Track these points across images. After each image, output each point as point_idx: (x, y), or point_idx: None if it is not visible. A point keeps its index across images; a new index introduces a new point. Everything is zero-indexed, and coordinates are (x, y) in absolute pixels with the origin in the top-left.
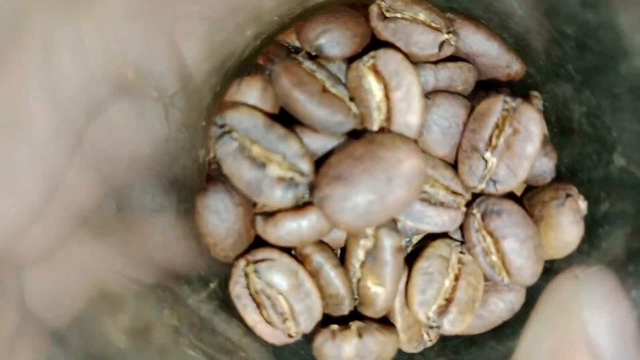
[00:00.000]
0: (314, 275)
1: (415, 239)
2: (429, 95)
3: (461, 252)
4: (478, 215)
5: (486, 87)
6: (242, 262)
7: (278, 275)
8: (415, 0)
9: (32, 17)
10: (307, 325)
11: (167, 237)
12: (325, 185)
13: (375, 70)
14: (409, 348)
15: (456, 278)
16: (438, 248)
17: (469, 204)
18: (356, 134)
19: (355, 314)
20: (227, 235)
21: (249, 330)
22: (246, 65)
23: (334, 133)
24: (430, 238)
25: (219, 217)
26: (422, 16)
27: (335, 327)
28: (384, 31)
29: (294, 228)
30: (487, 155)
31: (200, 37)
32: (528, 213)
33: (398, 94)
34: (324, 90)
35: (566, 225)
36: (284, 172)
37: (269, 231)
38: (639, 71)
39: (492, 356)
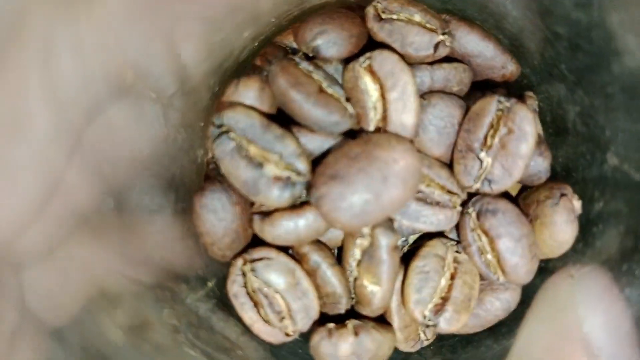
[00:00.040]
0: (311, 274)
1: (412, 238)
2: (425, 95)
3: (457, 251)
4: (473, 215)
5: (482, 87)
6: (239, 261)
7: (275, 274)
8: (411, 2)
9: (32, 17)
10: (304, 324)
11: (165, 236)
12: (322, 185)
13: (372, 71)
14: (405, 347)
15: (452, 277)
16: (434, 247)
17: (464, 204)
18: (352, 134)
19: (352, 313)
20: (224, 234)
21: (246, 329)
22: (244, 66)
23: (330, 133)
24: (427, 237)
25: (217, 216)
26: (417, 17)
27: (332, 325)
28: (380, 32)
29: (291, 227)
30: (482, 155)
31: (199, 38)
32: (523, 212)
33: (394, 94)
34: (321, 90)
35: (561, 224)
36: (280, 172)
37: (266, 230)
38: (631, 71)
39: (488, 355)
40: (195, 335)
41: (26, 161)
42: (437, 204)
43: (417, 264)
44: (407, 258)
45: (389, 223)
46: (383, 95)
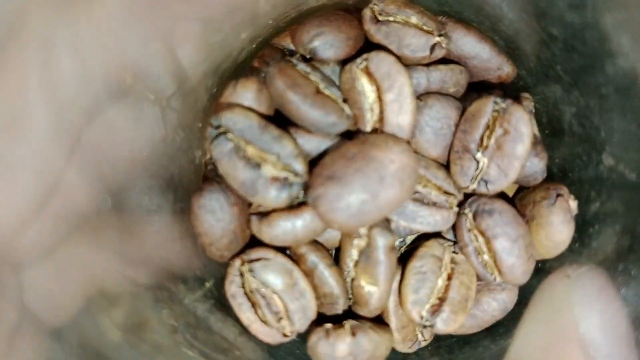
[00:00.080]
0: (309, 274)
1: (409, 239)
2: (421, 97)
3: (454, 252)
4: (470, 215)
5: (478, 89)
6: (237, 262)
7: (273, 275)
8: (408, 4)
9: (32, 17)
10: (301, 325)
11: (163, 236)
12: (319, 185)
13: (368, 73)
14: (403, 348)
15: (449, 277)
16: (431, 248)
17: (461, 204)
18: (349, 135)
19: (350, 314)
20: (222, 235)
21: (244, 330)
22: (242, 68)
23: (327, 134)
24: (424, 238)
25: (215, 216)
26: (414, 19)
27: (329, 326)
28: (377, 34)
29: (289, 228)
30: (479, 155)
31: (197, 39)
32: (519, 213)
33: (390, 95)
34: (318, 91)
35: (557, 225)
36: (278, 172)
37: (264, 231)
38: (625, 71)
39: (485, 355)
40: (193, 336)
41: (26, 161)
42: (434, 204)
43: (414, 264)
44: (404, 258)
45: (386, 224)
46: (380, 97)
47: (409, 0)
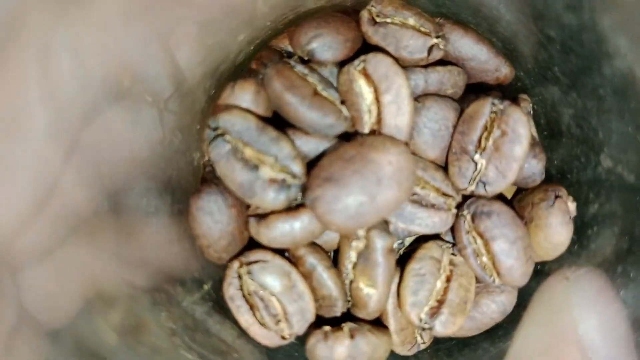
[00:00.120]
0: (307, 276)
1: (408, 241)
2: (419, 98)
3: (453, 254)
4: (468, 217)
5: (476, 90)
6: (235, 264)
7: (271, 277)
8: (405, 6)
9: (31, 18)
10: (300, 327)
11: (161, 238)
12: (317, 187)
13: (366, 74)
14: (402, 350)
15: (448, 279)
16: (430, 249)
17: (459, 206)
18: (347, 137)
19: (348, 316)
20: (220, 236)
21: (242, 332)
22: (240, 70)
23: (325, 135)
24: (422, 240)
25: (213, 218)
26: (411, 21)
27: (327, 328)
28: (375, 36)
29: (287, 229)
30: (477, 157)
31: (195, 40)
32: (518, 215)
33: (388, 97)
34: (316, 93)
35: (555, 226)
36: (276, 174)
37: (262, 233)
38: (622, 73)
39: (485, 358)
40: (191, 338)
41: (25, 161)
42: (432, 206)
43: (412, 266)
44: (403, 260)
45: (384, 225)
46: (377, 98)
47: (406, 2)
